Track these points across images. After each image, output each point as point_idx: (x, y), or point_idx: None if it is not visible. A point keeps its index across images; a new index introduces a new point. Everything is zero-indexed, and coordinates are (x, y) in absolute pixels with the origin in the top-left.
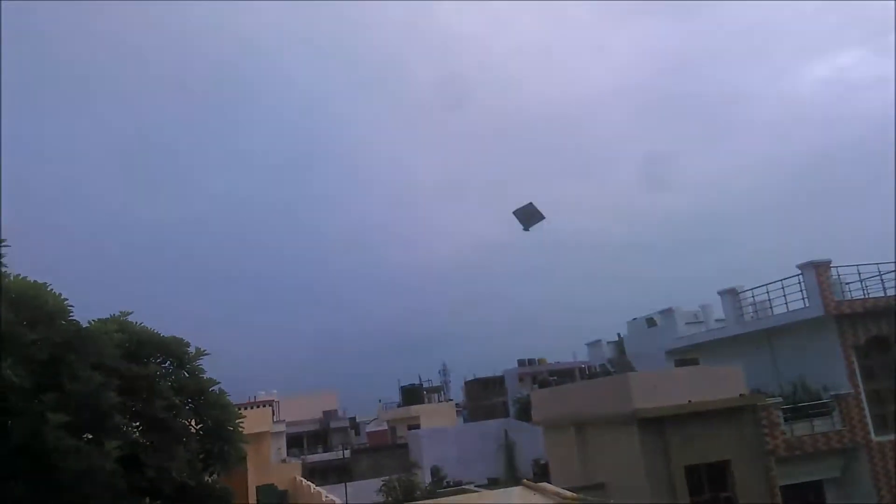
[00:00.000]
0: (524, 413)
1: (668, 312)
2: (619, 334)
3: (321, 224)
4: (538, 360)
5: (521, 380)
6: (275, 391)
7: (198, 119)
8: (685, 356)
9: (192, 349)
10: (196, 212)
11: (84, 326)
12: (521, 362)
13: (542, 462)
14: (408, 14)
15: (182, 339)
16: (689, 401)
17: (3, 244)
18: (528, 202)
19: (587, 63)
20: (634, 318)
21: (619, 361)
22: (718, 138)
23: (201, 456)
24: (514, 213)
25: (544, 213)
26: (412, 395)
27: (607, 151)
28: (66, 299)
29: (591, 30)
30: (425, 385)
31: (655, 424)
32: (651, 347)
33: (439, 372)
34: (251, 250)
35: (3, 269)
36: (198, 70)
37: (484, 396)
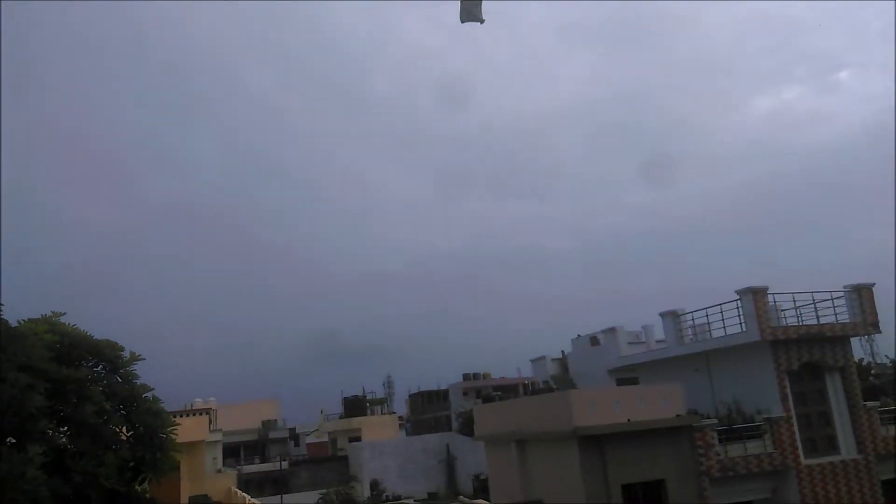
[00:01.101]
0: (467, 427)
1: (611, 332)
2: (562, 351)
3: (266, 232)
4: (483, 375)
5: (465, 394)
6: (212, 399)
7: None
8: (626, 375)
9: (126, 353)
10: (142, 216)
11: (13, 326)
12: (465, 376)
13: (483, 477)
14: (370, 29)
15: (115, 343)
16: (629, 419)
17: None
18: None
19: (543, 84)
20: (578, 336)
21: (561, 378)
22: (664, 166)
23: (131, 464)
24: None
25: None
26: (355, 406)
27: (558, 171)
28: None
29: (547, 54)
30: (369, 396)
31: (595, 442)
32: (594, 366)
33: (383, 384)
34: (195, 256)
35: None
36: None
37: (428, 410)
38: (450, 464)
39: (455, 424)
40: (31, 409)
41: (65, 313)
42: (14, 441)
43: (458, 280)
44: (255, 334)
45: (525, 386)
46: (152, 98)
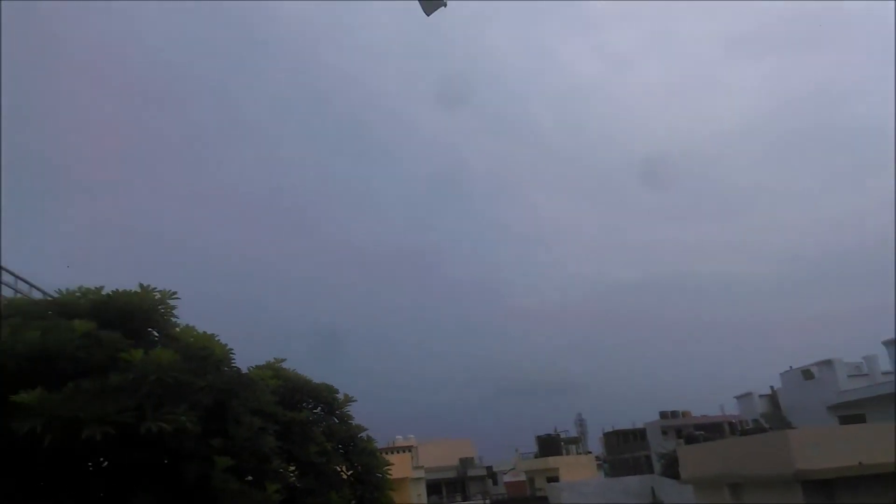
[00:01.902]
0: (670, 469)
1: (827, 364)
2: (772, 387)
3: (445, 267)
4: (682, 413)
5: (664, 433)
6: (412, 436)
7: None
8: (850, 412)
9: (340, 395)
10: (324, 260)
11: (244, 373)
12: (663, 414)
13: None
14: (530, 62)
15: (331, 386)
16: (860, 462)
17: (174, 296)
18: None
19: (714, 101)
20: (789, 369)
21: (773, 416)
22: (863, 173)
23: (353, 502)
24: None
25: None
26: (549, 445)
27: (739, 191)
28: (231, 349)
29: (717, 67)
30: (562, 435)
31: (823, 487)
32: (809, 401)
33: (575, 422)
34: (376, 298)
35: (174, 320)
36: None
37: (624, 449)
38: None
39: (657, 465)
40: (266, 449)
41: (285, 360)
42: (252, 479)
43: (641, 311)
44: (440, 369)
45: (731, 425)
46: (336, 145)
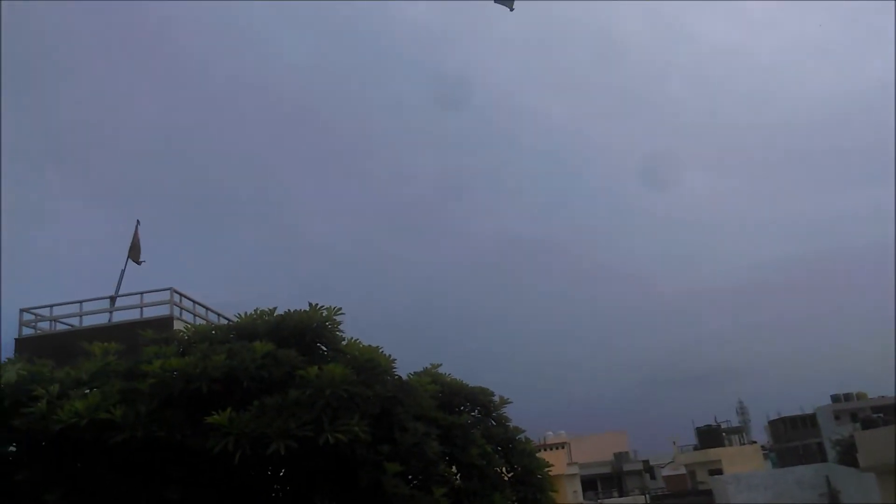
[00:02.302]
0: (846, 456)
1: None
2: None
3: (583, 257)
4: (856, 395)
5: (837, 418)
6: (562, 432)
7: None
8: None
9: (496, 398)
10: (465, 254)
11: (405, 381)
12: (834, 398)
13: None
14: (661, 36)
15: (487, 389)
16: None
17: (339, 312)
18: None
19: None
20: None
21: None
22: None
23: (515, 503)
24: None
25: None
26: (710, 436)
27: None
28: (395, 359)
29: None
30: (723, 425)
31: None
32: None
33: (736, 410)
34: (517, 290)
35: (340, 334)
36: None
37: (793, 437)
38: (833, 498)
39: (831, 453)
40: (430, 454)
41: (441, 364)
42: (419, 483)
43: (802, 287)
44: (591, 361)
45: None
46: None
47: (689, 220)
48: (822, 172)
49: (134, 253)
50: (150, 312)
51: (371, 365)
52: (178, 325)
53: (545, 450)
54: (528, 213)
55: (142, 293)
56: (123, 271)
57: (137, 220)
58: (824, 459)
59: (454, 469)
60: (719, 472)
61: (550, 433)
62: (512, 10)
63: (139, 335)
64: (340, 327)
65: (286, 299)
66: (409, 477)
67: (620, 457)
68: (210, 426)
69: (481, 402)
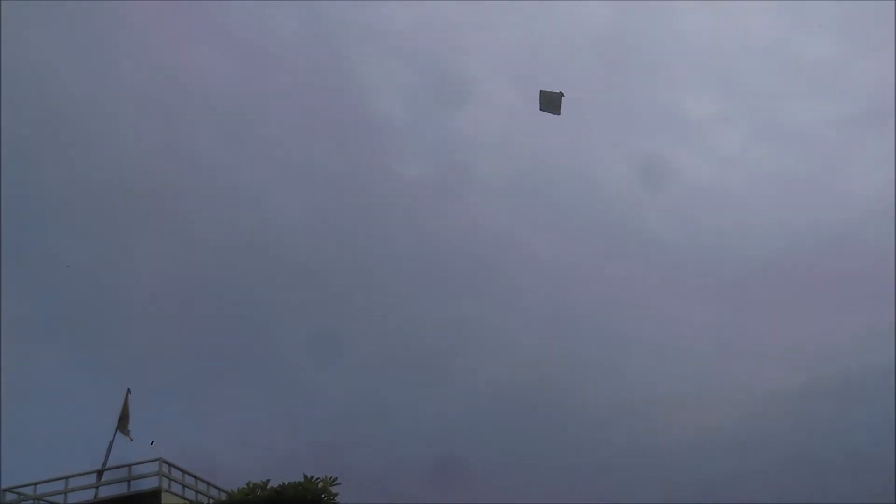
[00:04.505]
0: None
1: None
2: None
3: (594, 394)
4: None
5: None
6: None
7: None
8: None
9: None
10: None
11: None
12: None
13: None
14: None
15: None
16: None
17: (335, 483)
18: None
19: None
20: None
21: None
22: None
23: None
24: (542, 108)
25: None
26: None
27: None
28: None
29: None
30: None
31: None
32: None
33: None
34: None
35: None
36: None
37: None
38: None
39: None
40: None
41: None
42: None
43: (812, 417)
44: None
45: None
46: None
47: (691, 355)
48: (820, 299)
49: (122, 424)
50: (138, 485)
51: None
52: (167, 499)
53: None
54: (529, 356)
55: (130, 465)
56: (111, 443)
57: (128, 389)
58: None
59: None
60: None
61: None
62: (559, 114)
63: None
64: (338, 498)
65: (285, 458)
66: None
67: None
68: None
69: None
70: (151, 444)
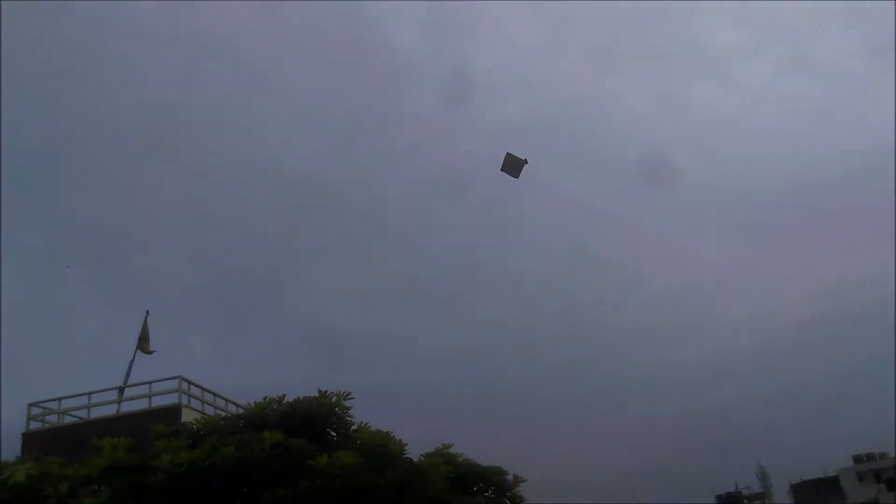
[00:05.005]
0: None
1: None
2: None
3: (597, 331)
4: (879, 455)
5: (860, 479)
6: None
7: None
8: None
9: (510, 477)
10: (479, 333)
11: (416, 464)
12: (857, 458)
13: None
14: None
15: (500, 468)
16: None
17: (349, 397)
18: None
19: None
20: None
21: None
22: None
23: None
24: (503, 169)
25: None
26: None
27: None
28: (406, 443)
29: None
30: (744, 492)
31: None
32: None
33: (757, 476)
34: (530, 367)
35: (349, 419)
36: None
37: (817, 501)
38: None
39: None
40: None
41: (452, 444)
42: None
43: (822, 346)
44: (609, 434)
45: None
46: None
47: (700, 287)
48: (827, 235)
49: (143, 343)
50: (158, 402)
51: (381, 450)
52: (186, 414)
53: None
54: (534, 291)
55: (150, 382)
56: (132, 362)
57: (147, 311)
58: None
59: None
60: None
61: None
62: (517, 177)
63: (148, 428)
64: (351, 412)
65: (298, 384)
66: None
67: None
68: None
69: (495, 482)
70: (151, 352)
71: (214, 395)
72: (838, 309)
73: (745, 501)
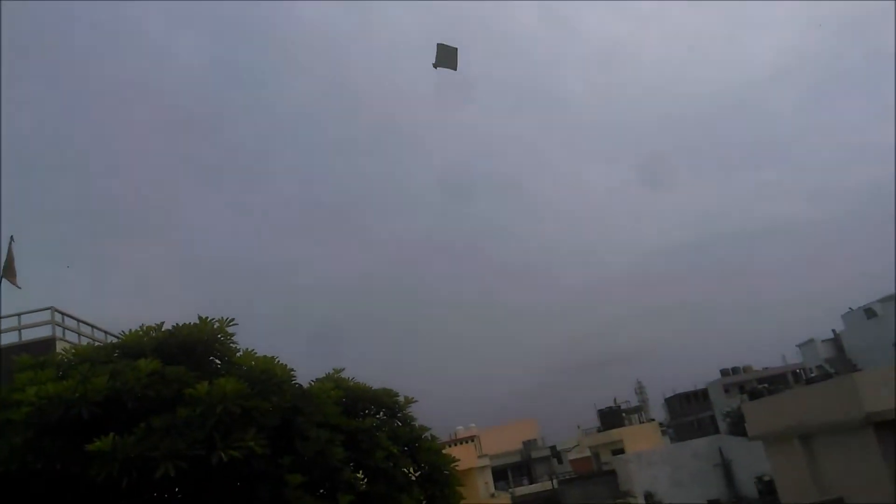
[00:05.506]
0: (737, 427)
1: (889, 300)
2: (833, 331)
3: (487, 252)
4: (743, 368)
5: (726, 391)
6: (473, 425)
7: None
8: None
9: (401, 398)
10: (367, 260)
11: (305, 389)
12: (724, 372)
13: (766, 479)
14: (554, 32)
15: (391, 390)
16: None
17: (232, 323)
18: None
19: (748, 46)
20: (850, 310)
21: (838, 360)
22: None
23: (423, 502)
24: (437, 64)
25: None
26: (611, 417)
27: (786, 132)
28: (293, 370)
29: (744, 15)
30: (623, 406)
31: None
32: (875, 342)
33: (635, 391)
34: (419, 293)
35: (234, 346)
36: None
37: (688, 412)
38: (726, 468)
39: (722, 425)
40: (334, 461)
41: (344, 369)
42: (324, 492)
43: (694, 270)
44: (499, 355)
45: (795, 374)
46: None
47: (585, 213)
48: (708, 162)
49: (9, 273)
50: (29, 335)
51: (267, 376)
52: (61, 347)
53: (456, 444)
54: (429, 215)
55: (19, 314)
56: None
57: (11, 236)
58: (717, 431)
59: (360, 474)
60: (622, 451)
61: (461, 428)
62: (455, 69)
63: (13, 360)
64: (236, 339)
65: (184, 315)
66: (314, 486)
67: (529, 444)
68: (93, 453)
69: (386, 404)
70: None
71: (92, 326)
72: (714, 234)
73: (624, 414)
